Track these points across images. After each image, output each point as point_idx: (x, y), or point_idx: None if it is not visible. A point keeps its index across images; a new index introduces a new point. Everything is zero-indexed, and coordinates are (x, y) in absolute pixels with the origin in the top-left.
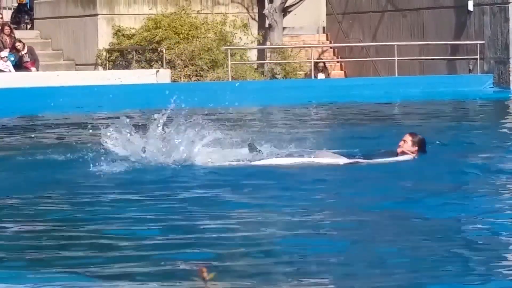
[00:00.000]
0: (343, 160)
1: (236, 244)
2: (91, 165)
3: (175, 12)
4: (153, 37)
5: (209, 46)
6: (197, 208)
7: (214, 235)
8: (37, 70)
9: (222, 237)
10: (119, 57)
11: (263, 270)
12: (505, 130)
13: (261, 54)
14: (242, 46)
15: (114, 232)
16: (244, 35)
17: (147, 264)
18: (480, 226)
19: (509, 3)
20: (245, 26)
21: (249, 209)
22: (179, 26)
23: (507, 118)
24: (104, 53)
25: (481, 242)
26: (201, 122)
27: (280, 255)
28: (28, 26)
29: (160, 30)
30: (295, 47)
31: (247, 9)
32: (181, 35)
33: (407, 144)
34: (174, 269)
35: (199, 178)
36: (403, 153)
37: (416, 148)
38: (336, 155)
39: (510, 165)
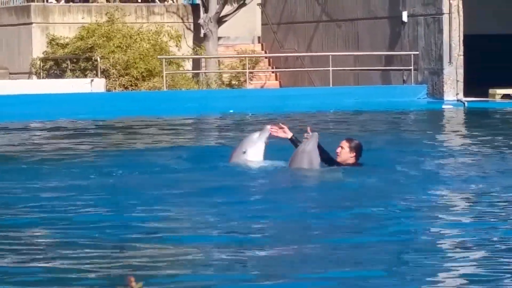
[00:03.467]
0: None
1: (165, 253)
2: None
3: (108, 21)
4: (87, 46)
5: (144, 55)
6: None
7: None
8: None
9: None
10: (53, 66)
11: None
12: (437, 140)
13: (196, 63)
14: (178, 55)
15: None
16: (176, 46)
17: (79, 272)
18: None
19: (443, 14)
20: (178, 37)
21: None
22: (113, 35)
23: (439, 129)
24: (38, 62)
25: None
26: None
27: (217, 260)
28: None
29: (94, 38)
30: (230, 57)
31: (182, 19)
32: (115, 44)
33: (344, 151)
34: (102, 277)
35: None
36: (342, 161)
37: (354, 153)
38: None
39: (440, 175)
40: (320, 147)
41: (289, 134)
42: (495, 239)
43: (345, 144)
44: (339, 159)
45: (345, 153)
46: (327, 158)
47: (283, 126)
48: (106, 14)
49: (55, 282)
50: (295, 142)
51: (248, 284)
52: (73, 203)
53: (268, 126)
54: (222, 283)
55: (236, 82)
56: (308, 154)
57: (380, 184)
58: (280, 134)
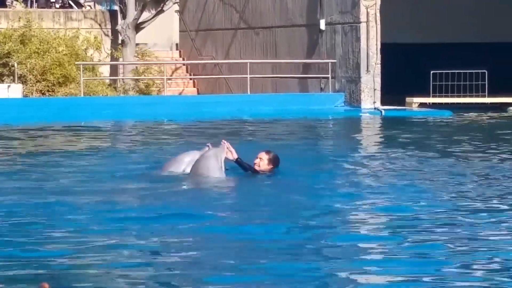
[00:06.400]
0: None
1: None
2: None
3: (25, 26)
4: (4, 51)
5: (61, 60)
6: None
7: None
8: None
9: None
10: None
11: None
12: (353, 147)
13: (114, 70)
14: (95, 61)
15: None
16: (96, 50)
17: None
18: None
19: (360, 22)
20: (99, 43)
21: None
22: (30, 40)
23: (356, 136)
24: None
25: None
26: None
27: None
28: None
29: (10, 43)
30: (147, 64)
31: (100, 25)
32: (32, 49)
33: (263, 162)
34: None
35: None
36: (260, 171)
37: (272, 166)
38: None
39: (357, 183)
40: (240, 161)
41: (235, 156)
42: (406, 246)
43: (263, 155)
44: (257, 169)
45: (263, 165)
46: (248, 167)
47: (231, 148)
48: (23, 19)
49: None
50: (241, 163)
51: None
52: None
53: (225, 146)
54: None
55: (153, 89)
56: (206, 160)
57: (292, 192)
58: (229, 155)
